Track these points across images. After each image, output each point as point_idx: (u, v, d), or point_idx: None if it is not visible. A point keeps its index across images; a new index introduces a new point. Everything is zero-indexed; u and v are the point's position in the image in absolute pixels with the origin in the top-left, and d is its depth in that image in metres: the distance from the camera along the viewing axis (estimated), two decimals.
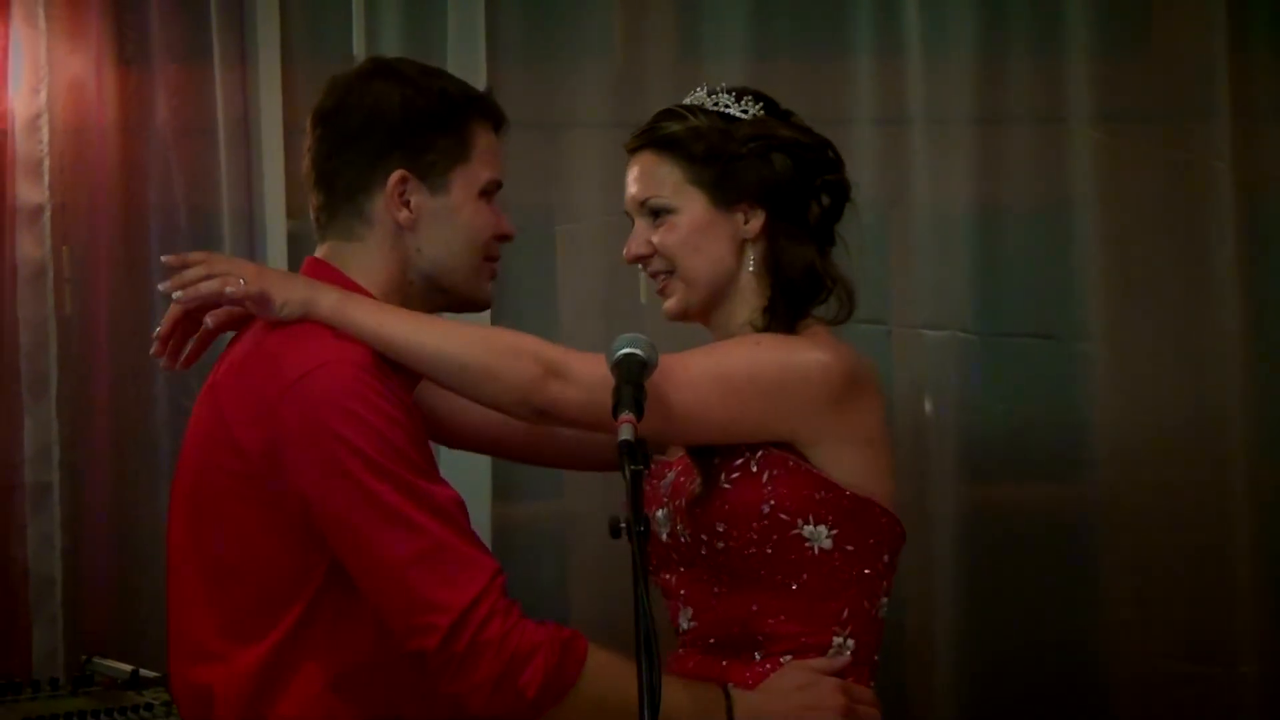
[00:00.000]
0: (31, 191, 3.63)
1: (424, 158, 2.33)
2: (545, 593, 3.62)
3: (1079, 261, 3.63)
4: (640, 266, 2.53)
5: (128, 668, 3.21)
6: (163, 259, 2.38)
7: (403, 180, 2.31)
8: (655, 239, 2.49)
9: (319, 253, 2.38)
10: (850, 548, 2.40)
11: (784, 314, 2.46)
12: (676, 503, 2.45)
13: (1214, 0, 3.61)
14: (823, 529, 2.39)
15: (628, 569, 2.02)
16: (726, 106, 2.51)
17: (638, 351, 2.24)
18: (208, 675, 2.25)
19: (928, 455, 3.63)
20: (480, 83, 3.55)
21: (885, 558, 2.45)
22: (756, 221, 2.48)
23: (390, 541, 2.15)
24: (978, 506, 3.64)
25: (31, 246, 3.62)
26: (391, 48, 3.63)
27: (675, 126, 2.49)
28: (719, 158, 2.46)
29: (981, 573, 3.61)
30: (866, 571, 2.43)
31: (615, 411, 2.16)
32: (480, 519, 3.27)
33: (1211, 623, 3.60)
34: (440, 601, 2.14)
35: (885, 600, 2.47)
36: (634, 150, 2.54)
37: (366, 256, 2.34)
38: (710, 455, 2.40)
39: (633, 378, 2.21)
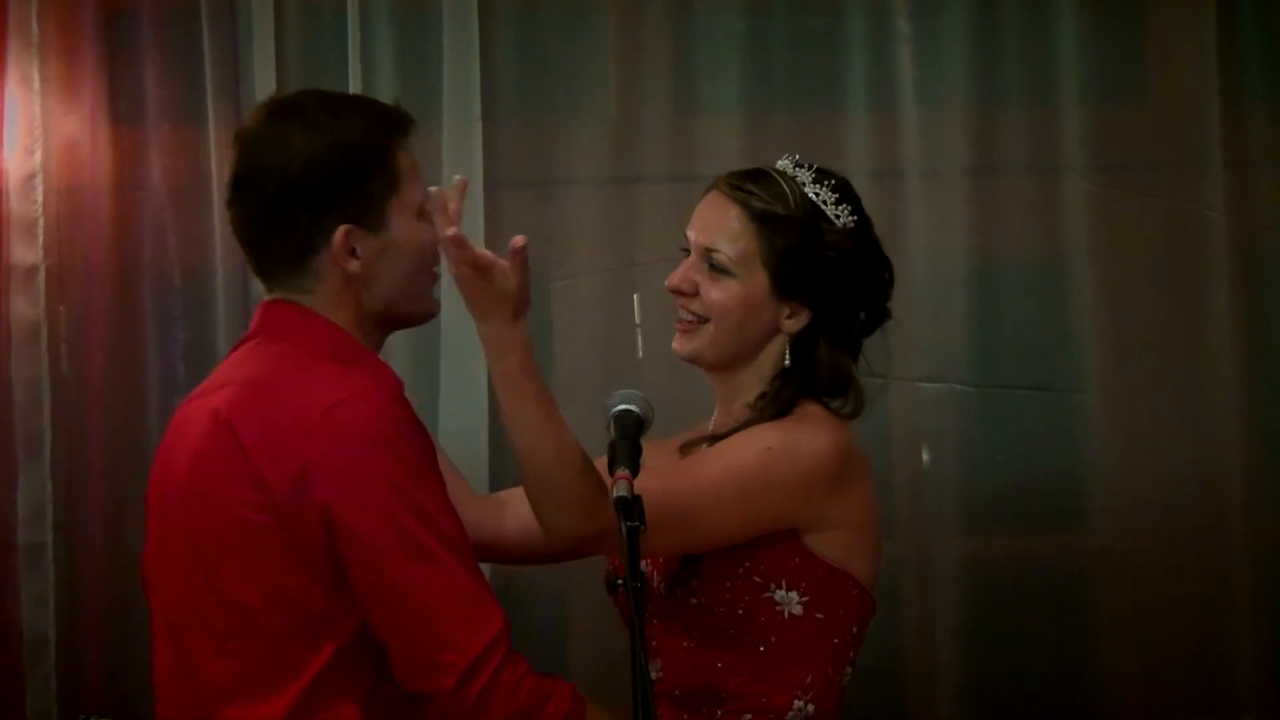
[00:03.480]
0: (26, 252, 3.62)
1: (361, 206, 2.30)
2: (542, 643, 3.59)
3: (1075, 313, 3.63)
4: (674, 297, 2.54)
5: None
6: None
7: (348, 235, 2.29)
8: (703, 286, 2.50)
9: (273, 296, 2.36)
10: (820, 616, 2.42)
11: (788, 395, 2.49)
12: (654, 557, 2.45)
13: (1207, 51, 3.63)
14: (795, 595, 2.40)
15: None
16: (825, 204, 2.53)
17: (633, 408, 2.25)
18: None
19: (925, 508, 3.62)
20: (476, 140, 3.60)
21: (854, 629, 2.47)
22: (800, 320, 2.51)
23: (417, 577, 2.16)
24: (976, 558, 3.63)
25: (26, 306, 3.61)
26: None
27: (775, 206, 2.50)
28: (797, 257, 2.48)
29: (981, 624, 3.60)
30: (835, 641, 2.44)
31: (611, 468, 2.16)
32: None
33: (1212, 674, 3.59)
34: (458, 641, 2.15)
35: (850, 670, 2.49)
36: (718, 191, 2.54)
37: (319, 304, 2.33)
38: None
39: (629, 434, 2.22)
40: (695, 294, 2.51)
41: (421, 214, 2.37)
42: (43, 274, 3.63)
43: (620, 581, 2.06)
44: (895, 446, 3.63)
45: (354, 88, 3.62)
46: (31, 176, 3.63)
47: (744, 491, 2.37)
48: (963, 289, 3.64)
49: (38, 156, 3.63)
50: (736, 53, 3.70)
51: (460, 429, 3.55)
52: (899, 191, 3.65)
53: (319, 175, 2.29)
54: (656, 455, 2.58)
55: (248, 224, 2.34)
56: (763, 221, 2.49)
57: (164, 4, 3.69)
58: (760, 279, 2.49)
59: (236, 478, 2.22)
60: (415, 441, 2.22)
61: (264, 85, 3.64)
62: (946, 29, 3.68)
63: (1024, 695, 3.59)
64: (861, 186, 3.59)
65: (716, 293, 2.49)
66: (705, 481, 2.37)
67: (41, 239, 3.63)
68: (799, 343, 2.52)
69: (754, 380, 2.52)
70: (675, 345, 2.55)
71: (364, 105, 2.40)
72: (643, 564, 2.42)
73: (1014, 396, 3.64)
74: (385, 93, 3.64)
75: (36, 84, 3.64)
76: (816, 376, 2.51)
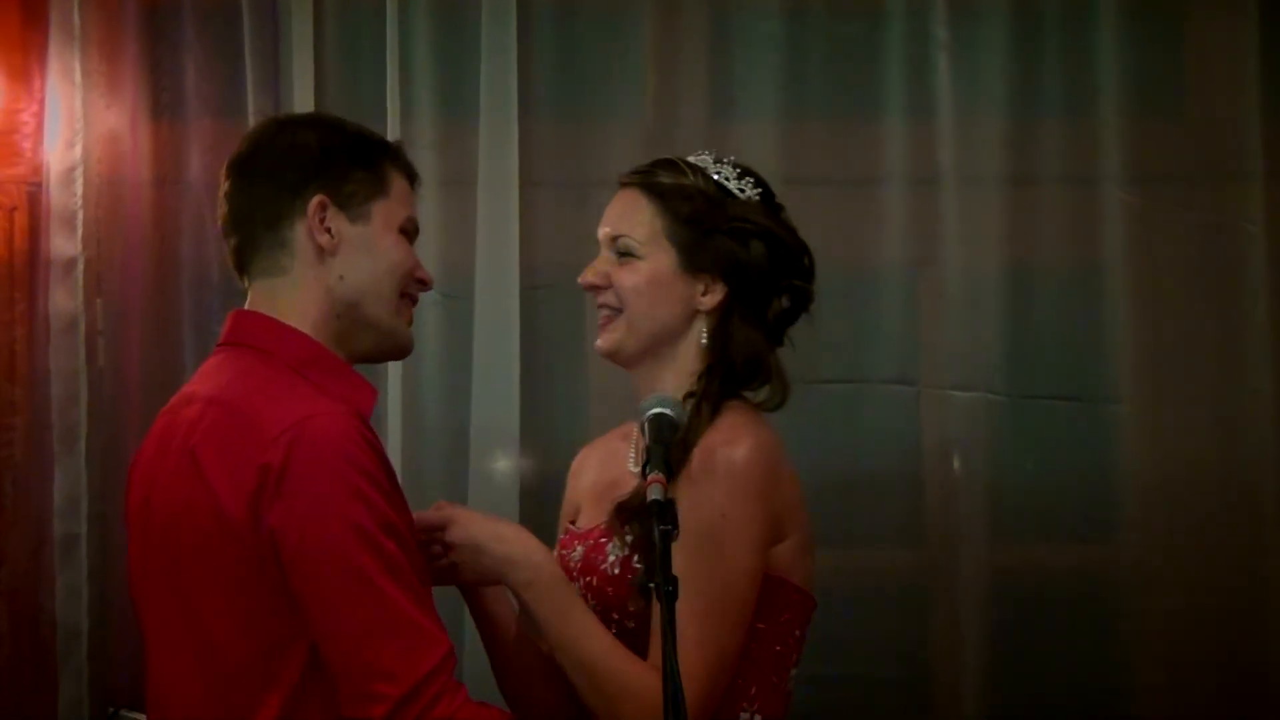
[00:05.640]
0: (65, 244, 3.65)
1: (343, 188, 2.33)
2: None
3: (1109, 324, 3.62)
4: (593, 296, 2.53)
5: None
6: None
7: (322, 206, 2.32)
8: (614, 276, 2.49)
9: (248, 302, 2.37)
10: (761, 626, 2.40)
11: (715, 391, 2.46)
12: (587, 579, 2.45)
13: (1247, 62, 3.62)
14: None
15: None
16: (727, 180, 2.52)
17: (668, 411, 2.25)
18: None
19: (956, 516, 3.62)
20: (512, 139, 3.61)
21: (796, 632, 2.46)
22: (715, 296, 2.48)
23: (356, 604, 2.14)
24: (1005, 567, 3.62)
25: (64, 299, 3.64)
26: (424, 105, 3.66)
27: (670, 179, 2.51)
28: (701, 224, 2.47)
29: (1008, 632, 3.59)
30: (777, 649, 2.43)
31: (644, 471, 2.16)
32: None
33: (1241, 688, 3.57)
34: (395, 671, 2.12)
35: (794, 671, 2.47)
36: (623, 186, 2.55)
37: (293, 290, 2.33)
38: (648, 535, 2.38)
39: (663, 437, 2.21)
40: (609, 286, 2.50)
41: (404, 233, 2.39)
42: (81, 267, 3.65)
43: (653, 585, 2.06)
44: (927, 453, 3.63)
45: (391, 85, 3.63)
46: (72, 169, 3.65)
47: (743, 564, 2.35)
48: (997, 297, 3.64)
49: (78, 149, 3.66)
50: (773, 57, 3.70)
51: (491, 417, 3.56)
52: (934, 199, 3.65)
53: (308, 150, 2.35)
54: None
55: (233, 200, 2.36)
56: (664, 198, 2.49)
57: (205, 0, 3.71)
58: (668, 255, 2.48)
59: (199, 506, 2.20)
60: (369, 464, 2.18)
61: (303, 81, 3.66)
62: (985, 37, 3.67)
63: (1050, 705, 3.58)
64: (897, 193, 3.65)
65: (626, 277, 2.48)
66: (723, 597, 2.33)
67: (81, 232, 3.65)
68: (718, 327, 2.48)
69: (677, 376, 2.49)
70: (598, 343, 2.53)
71: (375, 133, 2.45)
72: (576, 587, 2.43)
73: (1046, 406, 3.63)
74: (423, 89, 3.66)
75: (78, 77, 3.66)
76: (731, 357, 2.47)
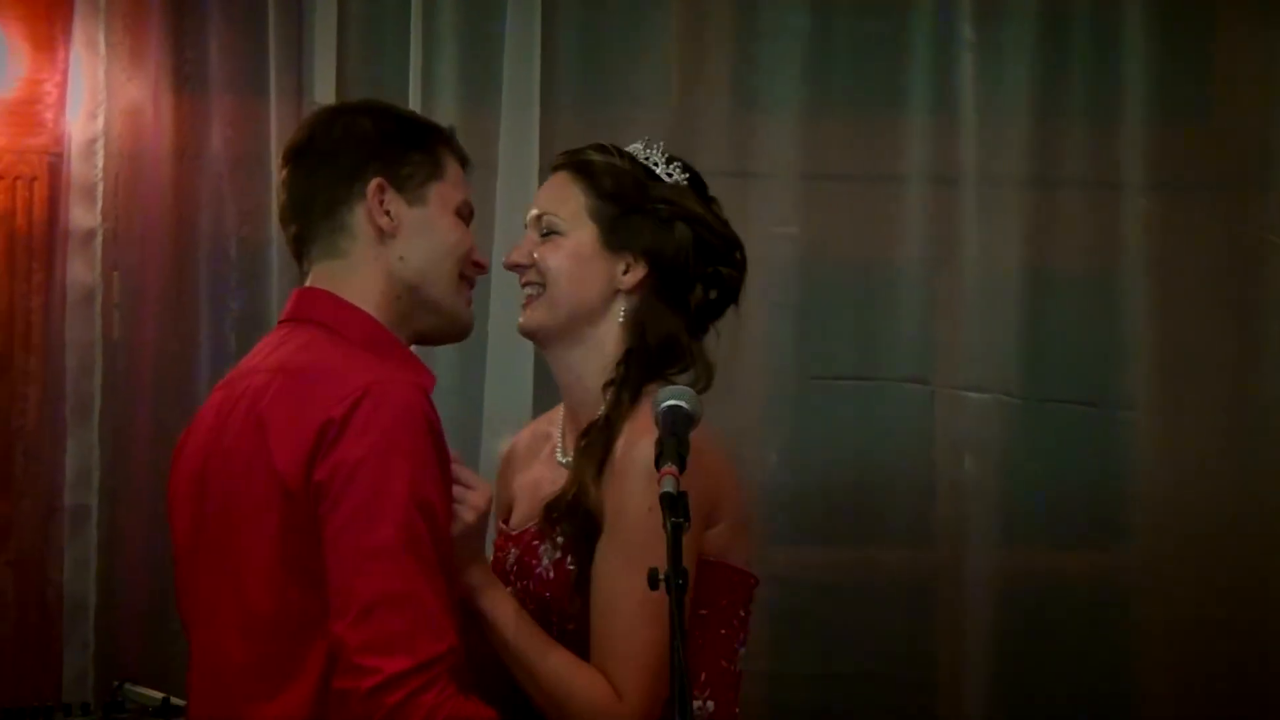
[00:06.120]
0: (85, 216, 3.65)
1: (400, 170, 2.34)
2: None
3: (1126, 330, 3.62)
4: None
5: (159, 695, 3.19)
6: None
7: (380, 189, 2.32)
8: (537, 254, 2.47)
9: (308, 281, 2.36)
10: (704, 612, 2.37)
11: (635, 378, 2.42)
12: (524, 583, 2.43)
13: (1274, 72, 3.60)
14: None
15: None
16: (655, 164, 2.51)
17: (683, 404, 2.23)
18: (254, 713, 2.19)
19: (964, 516, 3.61)
20: (533, 126, 3.61)
21: (741, 613, 2.43)
22: (635, 275, 2.45)
23: (375, 572, 2.11)
24: (1014, 570, 3.62)
25: (82, 270, 3.64)
26: (447, 89, 3.65)
27: (596, 157, 2.49)
28: (624, 201, 2.45)
29: (1014, 635, 3.59)
30: (723, 632, 2.40)
31: (658, 463, 2.15)
32: None
33: (1246, 699, 3.57)
34: (394, 649, 2.08)
35: (743, 650, 2.44)
36: (555, 169, 2.54)
37: (353, 273, 2.33)
38: (589, 540, 2.35)
39: (677, 430, 2.20)
40: (531, 264, 2.48)
41: (461, 215, 2.40)
42: (100, 238, 3.65)
43: (663, 578, 2.05)
44: (938, 452, 3.63)
45: (414, 67, 3.63)
46: (93, 141, 3.66)
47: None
48: (1014, 300, 3.63)
49: (100, 121, 3.66)
50: (798, 51, 3.69)
51: (505, 400, 3.57)
52: (955, 199, 3.64)
53: (365, 134, 2.35)
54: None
55: (292, 187, 2.37)
56: (586, 174, 2.47)
57: None
58: (589, 231, 2.45)
59: (256, 468, 2.19)
60: (427, 438, 2.17)
61: (325, 60, 3.66)
62: (1012, 37, 3.66)
63: (1054, 711, 3.57)
64: (918, 191, 3.64)
65: (549, 254, 2.46)
66: (645, 596, 2.17)
67: (100, 203, 3.66)
68: (637, 308, 2.45)
69: (596, 360, 2.45)
70: (519, 322, 2.50)
71: (434, 123, 2.46)
72: (510, 591, 2.40)
73: (1060, 410, 3.62)
74: (445, 72, 3.65)
75: (102, 49, 3.66)
76: (647, 339, 2.44)
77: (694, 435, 2.26)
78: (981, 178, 3.64)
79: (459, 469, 2.31)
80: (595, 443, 2.37)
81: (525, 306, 2.49)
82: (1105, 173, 3.64)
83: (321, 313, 2.32)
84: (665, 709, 2.26)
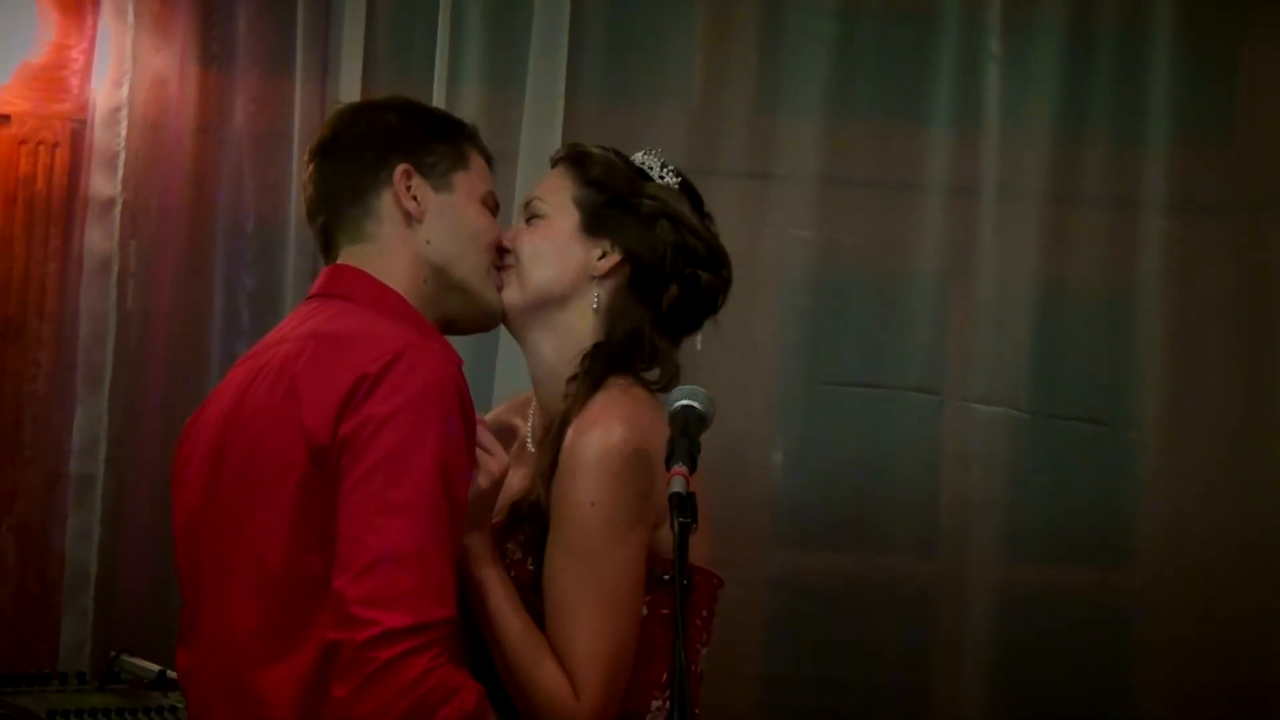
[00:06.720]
0: (105, 184, 3.64)
1: (425, 158, 2.38)
2: None
3: (1139, 350, 3.62)
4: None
5: (155, 668, 3.19)
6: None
7: (407, 174, 2.36)
8: (517, 237, 2.49)
9: (340, 259, 2.38)
10: (665, 612, 2.34)
11: (597, 370, 2.40)
12: None
13: None
14: None
15: None
16: (650, 167, 2.52)
17: (695, 404, 2.23)
18: (260, 678, 2.19)
19: (970, 529, 3.62)
20: (557, 117, 3.61)
21: (704, 612, 2.42)
22: (609, 263, 2.45)
23: (388, 529, 2.10)
24: (1016, 586, 3.62)
25: (100, 239, 3.63)
26: (472, 73, 3.65)
27: (593, 150, 2.51)
28: (609, 189, 2.47)
29: (1013, 650, 3.60)
30: (686, 632, 2.40)
31: (669, 463, 2.16)
32: None
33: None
34: (396, 606, 2.07)
35: (705, 650, 2.43)
36: (552, 164, 2.56)
37: (381, 256, 2.35)
38: (540, 541, 2.36)
39: (689, 430, 2.20)
40: (513, 249, 2.48)
41: (486, 205, 2.43)
42: (119, 208, 3.65)
43: (668, 578, 2.05)
44: (945, 464, 3.63)
45: (441, 55, 3.63)
46: (117, 110, 3.65)
47: (619, 553, 2.29)
48: (1028, 314, 3.63)
49: (125, 90, 3.65)
50: (824, 56, 3.70)
51: (516, 385, 3.53)
52: (974, 210, 3.64)
53: (390, 126, 2.40)
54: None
55: (319, 181, 2.40)
56: (578, 164, 2.50)
57: None
58: (570, 215, 2.47)
59: (282, 427, 2.19)
60: (457, 407, 2.17)
61: (353, 42, 3.66)
62: (1038, 52, 3.67)
63: None
64: (937, 202, 3.64)
65: (528, 234, 2.48)
66: (610, 587, 2.28)
67: (121, 173, 3.65)
68: (610, 298, 2.44)
69: (570, 350, 2.43)
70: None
71: (457, 119, 2.49)
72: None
73: (1069, 427, 3.63)
74: (471, 59, 3.65)
75: (131, 18, 3.66)
76: (613, 329, 2.44)
77: (641, 430, 2.28)
78: (1001, 191, 3.64)
79: (483, 433, 2.32)
80: (553, 439, 2.36)
81: (500, 288, 2.48)
82: (1125, 191, 3.64)
83: (353, 288, 2.34)
84: (665, 709, 2.28)
